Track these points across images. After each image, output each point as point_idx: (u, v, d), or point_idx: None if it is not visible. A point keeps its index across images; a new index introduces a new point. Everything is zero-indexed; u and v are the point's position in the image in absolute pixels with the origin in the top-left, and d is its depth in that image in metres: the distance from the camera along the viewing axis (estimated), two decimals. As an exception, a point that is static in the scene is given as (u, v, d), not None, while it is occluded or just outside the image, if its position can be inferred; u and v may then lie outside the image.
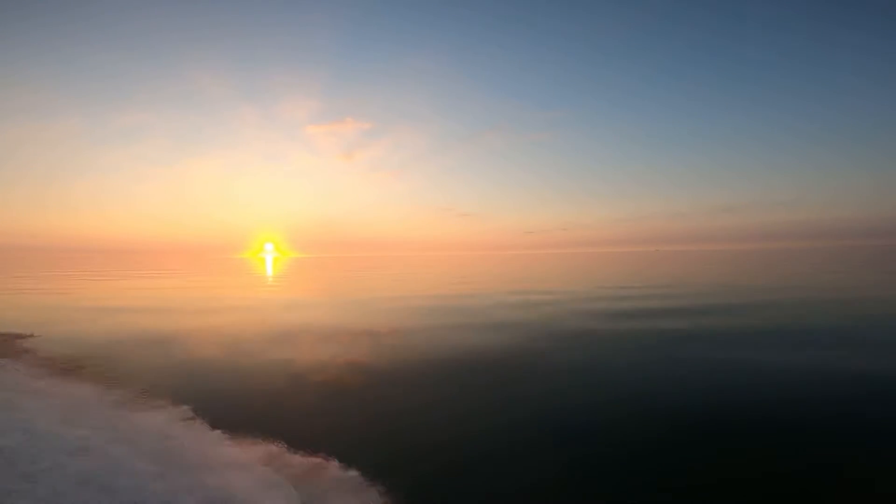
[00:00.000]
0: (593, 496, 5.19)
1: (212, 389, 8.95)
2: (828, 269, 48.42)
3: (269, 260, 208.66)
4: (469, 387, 9.14)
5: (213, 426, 6.91)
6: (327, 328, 16.16)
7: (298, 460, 5.81)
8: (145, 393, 8.49)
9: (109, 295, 29.84)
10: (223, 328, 16.29)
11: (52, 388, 8.30)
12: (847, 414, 7.32)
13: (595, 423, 7.16)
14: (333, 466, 5.69)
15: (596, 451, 6.21)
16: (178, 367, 10.76)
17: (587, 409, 7.79)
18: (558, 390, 8.78)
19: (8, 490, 4.02)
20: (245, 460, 5.69)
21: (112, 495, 4.16)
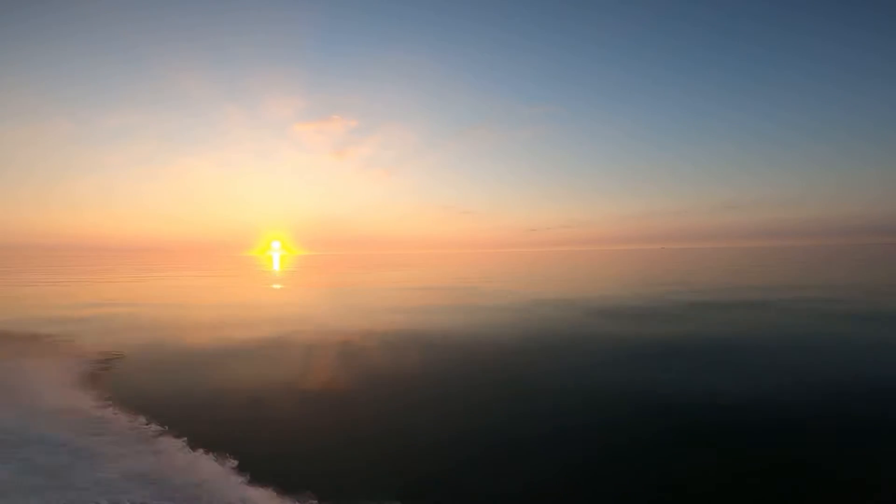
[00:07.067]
0: (593, 496, 5.22)
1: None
2: (835, 267, 48.19)
3: (277, 258, 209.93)
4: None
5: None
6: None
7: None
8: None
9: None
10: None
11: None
12: (846, 414, 7.37)
13: (596, 423, 7.21)
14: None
15: (597, 451, 6.25)
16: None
17: (587, 409, 7.84)
18: (559, 390, 8.88)
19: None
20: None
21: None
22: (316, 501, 5.00)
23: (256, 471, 5.59)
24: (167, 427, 6.89)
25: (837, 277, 36.39)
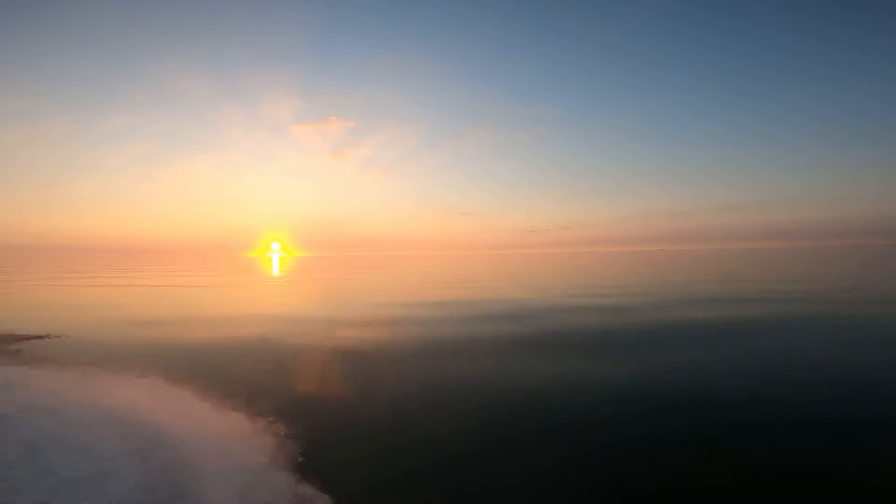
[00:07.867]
0: (590, 495, 5.12)
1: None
2: (834, 269, 47.98)
3: (276, 259, 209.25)
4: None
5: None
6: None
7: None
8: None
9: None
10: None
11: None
12: (839, 414, 7.23)
13: (591, 421, 7.07)
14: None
15: (592, 449, 6.14)
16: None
17: (582, 407, 7.69)
18: (557, 389, 8.67)
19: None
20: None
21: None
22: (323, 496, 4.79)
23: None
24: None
25: (843, 279, 35.92)
